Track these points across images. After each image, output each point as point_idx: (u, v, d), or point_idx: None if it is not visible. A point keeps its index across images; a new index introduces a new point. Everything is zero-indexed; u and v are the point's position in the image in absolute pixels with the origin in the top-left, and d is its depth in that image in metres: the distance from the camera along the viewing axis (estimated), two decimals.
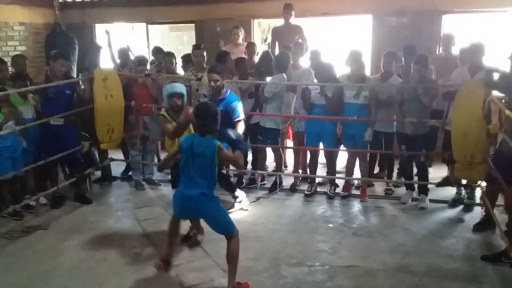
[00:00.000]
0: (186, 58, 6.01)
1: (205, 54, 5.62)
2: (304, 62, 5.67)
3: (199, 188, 3.26)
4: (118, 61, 6.03)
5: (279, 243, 4.19)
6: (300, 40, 5.92)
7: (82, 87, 5.37)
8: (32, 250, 4.11)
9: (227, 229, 3.38)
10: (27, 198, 4.92)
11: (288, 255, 3.96)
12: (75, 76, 5.96)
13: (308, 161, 5.62)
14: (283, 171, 5.74)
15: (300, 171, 5.81)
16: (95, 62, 6.04)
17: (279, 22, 6.66)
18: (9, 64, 5.38)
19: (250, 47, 6.13)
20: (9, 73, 5.21)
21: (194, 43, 7.58)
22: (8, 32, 6.82)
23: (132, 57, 5.99)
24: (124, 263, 3.87)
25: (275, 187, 5.52)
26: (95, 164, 5.67)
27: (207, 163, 3.27)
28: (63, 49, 6.13)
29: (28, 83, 4.98)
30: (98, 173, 5.99)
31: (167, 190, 5.53)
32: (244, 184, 5.66)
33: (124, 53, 6.02)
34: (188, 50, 6.77)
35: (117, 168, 6.15)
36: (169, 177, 5.83)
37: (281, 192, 5.51)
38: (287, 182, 5.72)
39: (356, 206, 5.10)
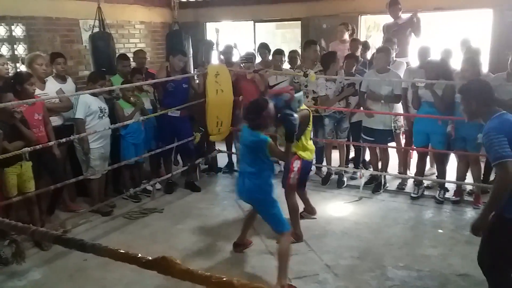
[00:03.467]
0: (292, 55, 6.09)
1: (318, 50, 5.65)
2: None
3: (251, 181, 3.41)
4: (221, 57, 6.25)
5: (384, 245, 4.08)
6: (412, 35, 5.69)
7: (197, 81, 5.69)
8: (149, 231, 4.47)
9: (277, 226, 3.46)
10: (145, 183, 5.35)
11: (394, 258, 3.84)
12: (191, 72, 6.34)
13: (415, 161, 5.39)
14: (387, 171, 5.56)
15: (409, 172, 5.61)
16: (208, 59, 6.35)
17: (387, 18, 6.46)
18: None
19: (354, 43, 6.02)
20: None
21: (297, 40, 7.67)
22: (130, 30, 7.44)
23: (236, 55, 6.20)
24: (231, 250, 4.04)
25: (379, 187, 5.38)
26: (204, 154, 5.99)
27: (257, 156, 3.37)
28: (180, 46, 6.54)
29: (144, 76, 5.39)
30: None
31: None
32: (345, 184, 5.59)
33: (228, 51, 6.21)
34: (292, 47, 6.86)
35: (221, 160, 6.42)
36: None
37: (385, 193, 5.35)
38: (392, 183, 5.55)
39: (469, 213, 4.77)
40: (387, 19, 6.38)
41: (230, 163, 6.27)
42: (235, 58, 6.19)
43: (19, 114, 3.95)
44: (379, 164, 5.48)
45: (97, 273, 3.59)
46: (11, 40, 5.68)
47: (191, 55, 6.92)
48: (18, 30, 5.74)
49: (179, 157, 5.92)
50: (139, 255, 1.41)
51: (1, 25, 5.54)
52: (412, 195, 5.17)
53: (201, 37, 7.84)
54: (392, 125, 5.26)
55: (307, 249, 4.01)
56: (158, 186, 5.48)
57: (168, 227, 4.54)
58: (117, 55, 5.87)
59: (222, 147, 6.33)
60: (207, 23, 8.19)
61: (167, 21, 7.91)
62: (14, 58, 5.64)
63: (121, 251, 1.43)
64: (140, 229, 4.51)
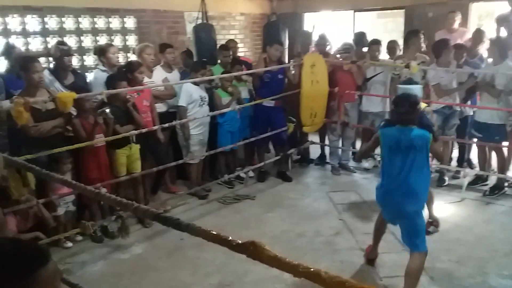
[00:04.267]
0: (391, 45, 5.83)
1: (422, 40, 5.34)
2: None
3: (408, 188, 2.98)
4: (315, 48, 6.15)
5: (487, 251, 3.77)
6: None
7: (293, 72, 5.70)
8: (241, 216, 4.62)
9: (421, 242, 3.00)
10: (239, 170, 5.53)
11: (499, 265, 3.54)
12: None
13: None
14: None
15: None
16: (304, 49, 6.32)
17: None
18: None
19: (478, 34, 5.52)
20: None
21: (399, 30, 7.30)
22: (230, 22, 7.67)
23: (331, 45, 6.08)
24: (320, 241, 4.03)
25: (496, 190, 4.92)
26: (297, 145, 6.00)
27: (419, 157, 2.99)
28: (277, 36, 6.59)
29: (243, 67, 5.51)
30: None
31: (361, 178, 5.57)
32: (446, 182, 5.24)
33: (322, 42, 6.07)
34: (392, 37, 6.55)
35: (314, 152, 6.38)
36: (365, 164, 5.87)
37: (492, 196, 4.90)
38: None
39: None
40: (501, 6, 5.80)
41: (322, 155, 6.22)
42: (330, 48, 6.09)
43: (131, 100, 4.30)
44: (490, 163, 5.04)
45: (192, 252, 3.80)
46: (123, 32, 6.17)
47: (288, 46, 6.93)
48: (130, 22, 6.21)
49: (272, 147, 5.99)
50: (230, 237, 1.46)
51: (115, 17, 6.03)
52: None
53: (298, 28, 7.82)
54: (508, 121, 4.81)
55: (401, 249, 3.85)
56: (251, 174, 5.62)
57: (259, 214, 4.64)
58: (218, 46, 6.09)
59: (315, 138, 6.29)
60: (305, 14, 8.14)
61: (266, 12, 8.01)
62: (125, 49, 6.12)
63: (213, 232, 1.49)
64: (233, 214, 4.67)
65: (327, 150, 6.13)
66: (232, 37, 7.54)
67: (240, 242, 1.41)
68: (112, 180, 4.18)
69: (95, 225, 3.80)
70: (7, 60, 4.53)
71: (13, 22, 5.07)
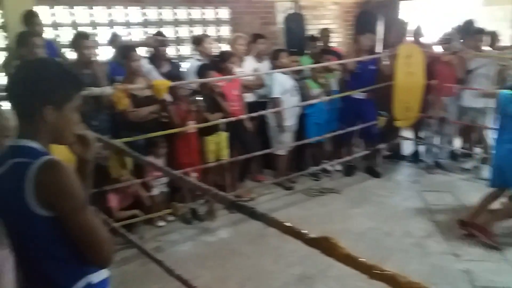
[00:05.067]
0: (490, 36, 5.32)
1: None
2: None
3: None
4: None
5: None
6: None
7: (386, 63, 5.44)
8: (325, 210, 4.53)
9: None
10: (325, 163, 5.42)
11: None
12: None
13: None
14: None
15: None
16: (399, 39, 6.00)
17: None
18: None
19: None
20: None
21: (508, 19, 6.65)
22: (322, 11, 7.52)
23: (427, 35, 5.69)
24: (410, 243, 3.82)
25: None
26: (388, 140, 5.74)
27: None
28: (369, 25, 6.32)
29: (333, 56, 5.36)
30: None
31: (459, 178, 5.17)
32: None
33: (418, 31, 5.71)
34: (501, 27, 5.98)
35: (406, 148, 6.07)
36: (464, 165, 5.45)
37: None
38: None
39: None
40: None
41: (416, 152, 5.87)
42: (426, 39, 5.71)
43: (218, 89, 4.40)
44: None
45: (275, 241, 3.80)
46: (217, 22, 6.33)
47: (383, 35, 6.63)
48: (223, 13, 6.35)
49: (360, 140, 5.78)
50: (303, 231, 1.41)
51: (210, 8, 6.20)
52: None
53: (394, 17, 7.44)
54: None
55: (500, 258, 3.53)
56: (337, 167, 5.50)
57: (344, 209, 4.53)
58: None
59: (408, 134, 5.97)
60: (401, 2, 7.72)
61: (360, 1, 7.73)
62: (218, 39, 6.28)
63: (287, 224, 1.45)
64: (317, 207, 4.60)
65: (421, 146, 5.79)
66: (323, 27, 7.41)
67: (313, 236, 1.37)
68: (201, 166, 4.32)
69: (185, 207, 3.98)
70: (113, 48, 4.86)
71: (117, 13, 5.43)
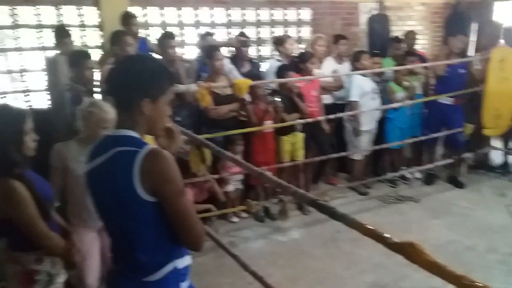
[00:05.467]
0: None
1: None
2: None
3: None
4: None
5: None
6: None
7: (478, 67, 5.12)
8: (402, 218, 4.37)
9: None
10: (404, 169, 5.22)
11: None
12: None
13: None
14: None
15: None
16: (493, 42, 5.60)
17: None
18: None
19: None
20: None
21: None
22: (408, 12, 7.22)
23: None
24: (494, 259, 3.58)
25: None
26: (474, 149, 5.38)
27: None
28: (460, 28, 5.99)
29: (417, 58, 5.14)
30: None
31: None
32: None
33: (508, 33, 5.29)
34: None
35: (495, 158, 5.67)
36: None
37: None
38: None
39: None
40: None
41: (505, 163, 5.48)
42: None
43: (296, 89, 4.42)
44: None
45: (347, 246, 3.76)
46: (299, 23, 6.34)
47: (475, 38, 6.24)
48: (305, 14, 6.34)
49: (444, 148, 5.48)
50: (387, 235, 1.37)
51: (292, 9, 6.23)
52: None
53: (487, 18, 6.96)
54: None
55: None
56: (417, 175, 5.28)
57: (422, 219, 4.33)
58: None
59: (498, 143, 5.57)
60: (496, 2, 7.19)
61: (450, 1, 7.33)
62: (299, 40, 6.29)
63: (369, 226, 1.42)
64: (393, 215, 4.45)
65: (511, 157, 5.38)
66: (408, 28, 7.14)
67: (397, 241, 1.33)
68: (275, 165, 4.36)
69: (258, 205, 4.05)
70: (199, 48, 5.07)
71: (204, 14, 5.64)
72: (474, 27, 6.36)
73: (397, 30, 6.66)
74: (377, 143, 5.01)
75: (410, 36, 5.78)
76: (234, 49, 5.09)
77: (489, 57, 4.92)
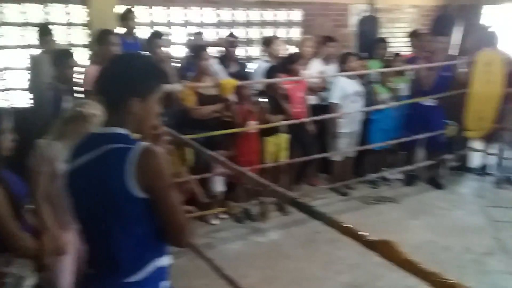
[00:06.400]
0: None
1: None
2: None
3: None
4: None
5: None
6: None
7: (462, 70, 5.17)
8: (381, 219, 4.45)
9: None
10: (385, 171, 5.29)
11: None
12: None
13: None
14: None
15: None
16: (479, 45, 5.67)
17: None
18: None
19: None
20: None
21: None
22: (398, 15, 7.27)
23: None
24: (468, 259, 3.69)
25: None
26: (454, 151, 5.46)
27: None
28: (445, 30, 6.03)
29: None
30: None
31: None
32: None
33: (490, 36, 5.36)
34: None
35: (475, 160, 5.75)
36: None
37: None
38: None
39: None
40: None
41: (484, 165, 5.57)
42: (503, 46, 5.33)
43: (282, 91, 4.47)
44: None
45: (325, 247, 3.83)
46: (289, 24, 6.39)
47: (460, 41, 6.29)
48: (296, 15, 6.39)
49: (425, 149, 5.55)
50: (363, 232, 1.41)
51: (282, 10, 6.27)
52: None
53: (475, 21, 7.02)
54: None
55: None
56: (398, 176, 5.35)
57: (401, 219, 4.42)
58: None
59: (478, 145, 5.66)
60: (485, 6, 7.25)
61: (440, 4, 7.38)
62: (289, 41, 6.34)
63: (346, 225, 1.46)
64: (373, 215, 4.52)
65: (491, 159, 5.48)
66: (397, 30, 7.19)
67: (372, 239, 1.37)
68: (258, 166, 4.40)
69: (239, 207, 4.10)
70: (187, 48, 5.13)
71: (193, 14, 5.68)
72: (459, 30, 6.41)
73: (387, 32, 6.73)
74: (361, 144, 5.07)
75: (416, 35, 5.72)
76: (222, 49, 5.14)
77: (475, 60, 4.98)
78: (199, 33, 5.27)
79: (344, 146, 4.97)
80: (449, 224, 4.31)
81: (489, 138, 5.39)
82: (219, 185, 4.36)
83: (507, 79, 4.90)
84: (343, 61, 4.97)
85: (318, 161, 5.00)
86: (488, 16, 7.13)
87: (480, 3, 7.23)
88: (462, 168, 5.65)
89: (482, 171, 5.54)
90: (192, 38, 5.22)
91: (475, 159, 5.74)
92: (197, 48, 4.45)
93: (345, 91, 4.81)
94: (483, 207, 4.61)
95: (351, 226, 1.44)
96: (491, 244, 3.88)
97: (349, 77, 4.82)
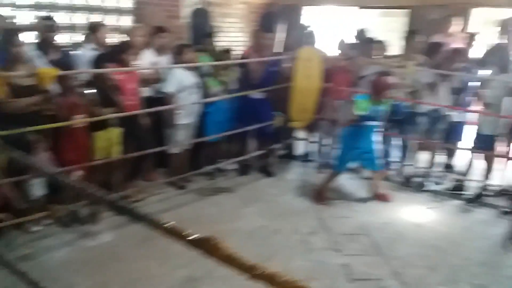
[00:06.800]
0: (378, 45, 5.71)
1: (420, 41, 5.29)
2: None
3: None
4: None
5: (462, 259, 3.75)
6: None
7: (286, 65, 5.56)
8: (218, 209, 4.55)
9: None
10: (220, 162, 5.41)
11: (471, 274, 3.53)
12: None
13: None
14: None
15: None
16: (300, 43, 6.20)
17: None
18: None
19: (471, 37, 5.52)
20: None
21: (400, 30, 7.18)
22: (230, 10, 7.52)
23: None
24: (296, 239, 3.98)
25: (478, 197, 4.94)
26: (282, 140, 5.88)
27: None
28: (270, 27, 6.44)
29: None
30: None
31: (345, 178, 5.38)
32: (426, 187, 5.20)
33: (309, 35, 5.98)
34: (393, 37, 6.45)
35: (301, 148, 6.27)
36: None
37: (471, 204, 4.86)
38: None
39: None
40: (503, 13, 5.73)
41: (307, 153, 6.11)
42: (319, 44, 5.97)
43: (113, 82, 4.19)
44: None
45: (162, 243, 3.62)
46: (119, 11, 6.05)
47: (284, 38, 6.80)
48: (126, 2, 6.08)
49: (255, 140, 5.86)
50: (185, 232, 1.37)
51: None
52: (505, 209, 4.66)
53: (296, 20, 7.68)
54: None
55: (375, 252, 3.81)
56: (233, 166, 5.53)
57: (236, 208, 4.58)
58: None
59: (302, 135, 6.20)
60: (304, 7, 7.99)
61: (267, 2, 7.87)
62: (119, 29, 6.00)
63: (168, 225, 1.41)
64: (209, 207, 4.59)
65: (314, 147, 6.04)
66: (228, 25, 7.44)
67: (195, 237, 1.35)
68: (87, 163, 4.08)
69: (64, 209, 3.71)
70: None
71: None
72: (283, 27, 6.91)
73: (219, 25, 6.88)
74: (198, 137, 5.08)
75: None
76: (39, 34, 4.58)
77: (296, 56, 5.41)
78: (10, 17, 4.62)
79: (182, 138, 4.92)
80: (279, 209, 4.62)
81: (311, 127, 5.93)
82: (38, 188, 3.86)
83: (324, 75, 5.46)
84: (178, 53, 4.90)
85: (154, 155, 4.85)
86: (307, 16, 7.86)
87: (300, 3, 7.92)
88: (289, 156, 6.11)
89: (305, 158, 6.08)
90: (2, 21, 4.54)
91: (299, 147, 6.25)
92: (8, 33, 3.89)
93: (182, 82, 4.75)
94: (308, 191, 5.03)
95: (174, 226, 1.40)
96: (315, 224, 4.28)
97: (186, 68, 4.77)
